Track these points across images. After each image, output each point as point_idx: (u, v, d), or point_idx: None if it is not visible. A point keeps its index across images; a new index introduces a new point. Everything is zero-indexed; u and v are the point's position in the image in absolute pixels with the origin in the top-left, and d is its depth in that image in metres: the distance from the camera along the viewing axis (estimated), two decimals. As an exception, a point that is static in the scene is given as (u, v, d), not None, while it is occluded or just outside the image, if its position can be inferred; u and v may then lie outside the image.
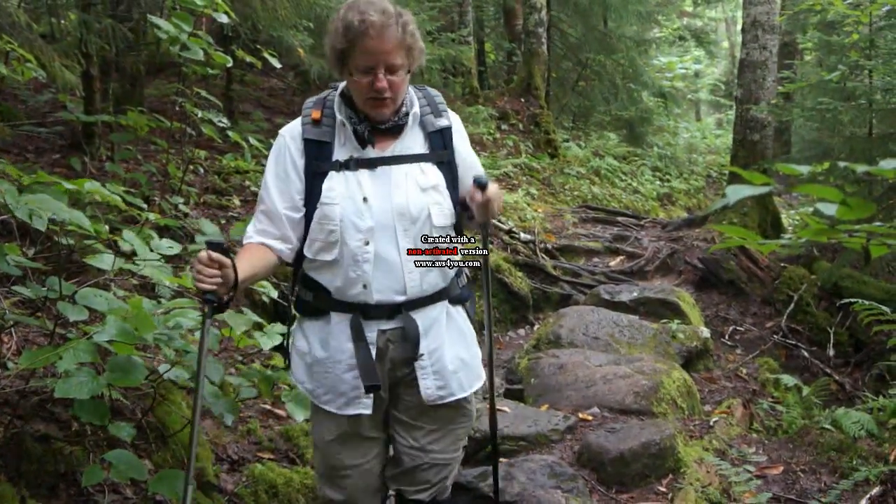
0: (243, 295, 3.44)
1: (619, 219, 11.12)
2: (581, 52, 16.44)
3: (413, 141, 2.87)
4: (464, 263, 3.06)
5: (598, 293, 7.75)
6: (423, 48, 2.83)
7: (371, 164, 2.79)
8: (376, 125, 2.80)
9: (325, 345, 2.86)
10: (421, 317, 2.86)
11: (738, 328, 7.79)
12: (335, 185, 2.76)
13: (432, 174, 2.84)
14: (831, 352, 7.37)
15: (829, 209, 1.71)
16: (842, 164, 1.73)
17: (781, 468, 4.71)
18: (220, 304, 2.63)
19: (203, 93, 5.67)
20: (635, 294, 7.59)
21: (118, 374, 3.00)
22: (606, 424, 4.97)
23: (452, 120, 2.96)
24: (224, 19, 5.15)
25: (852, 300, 4.77)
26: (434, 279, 2.87)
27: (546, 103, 14.38)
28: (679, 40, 20.45)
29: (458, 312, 3.02)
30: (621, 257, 9.43)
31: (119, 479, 3.03)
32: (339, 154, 2.81)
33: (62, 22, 8.64)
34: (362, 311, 2.80)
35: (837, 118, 8.35)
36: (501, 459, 4.58)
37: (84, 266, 3.82)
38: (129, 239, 3.54)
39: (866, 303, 4.54)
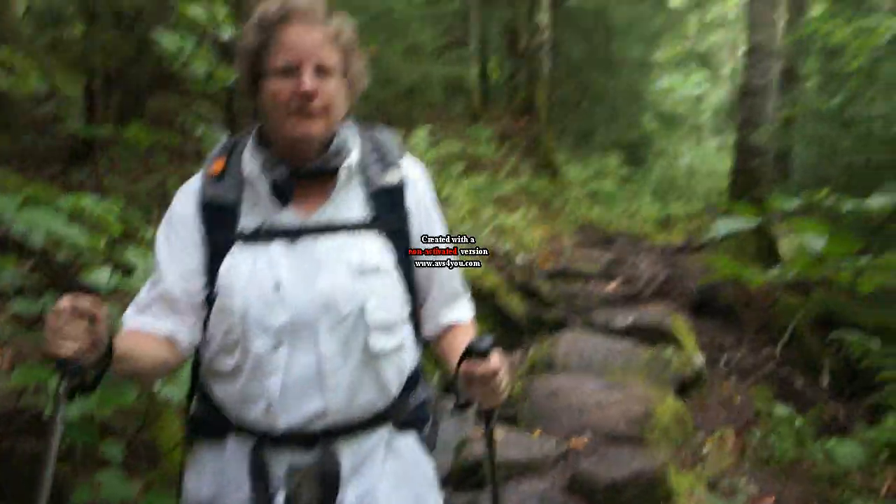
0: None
1: (617, 243, 11.14)
2: (583, 74, 16.50)
3: (349, 202, 2.09)
4: (420, 369, 2.24)
5: (593, 318, 7.74)
6: (364, 68, 2.14)
7: (289, 234, 2.03)
8: (298, 169, 2.04)
9: (219, 479, 2.09)
10: (349, 450, 2.05)
11: (732, 356, 7.78)
12: (238, 264, 2.01)
13: (374, 250, 2.05)
14: (825, 381, 7.36)
15: (817, 244, 1.73)
16: (827, 200, 1.75)
17: (773, 499, 4.71)
18: (84, 383, 1.81)
19: (205, 107, 5.68)
20: (630, 319, 7.57)
21: (110, 393, 2.99)
22: (599, 451, 4.96)
23: (410, 173, 2.18)
24: (227, 35, 5.17)
25: (844, 333, 4.79)
26: (369, 397, 2.05)
27: (547, 124, 14.43)
28: (683, 63, 20.54)
29: (407, 443, 2.16)
30: (618, 282, 9.42)
31: (108, 499, 3.02)
32: (247, 220, 2.05)
33: (65, 36, 8.67)
34: (269, 439, 2.02)
35: (836, 146, 8.38)
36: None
37: (80, 282, 3.82)
38: (130, 257, 3.54)
39: (856, 336, 4.55)
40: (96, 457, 3.26)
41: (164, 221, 2.14)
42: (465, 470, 4.57)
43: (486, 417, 2.09)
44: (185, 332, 2.06)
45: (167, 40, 4.96)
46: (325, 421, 2.00)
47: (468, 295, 2.33)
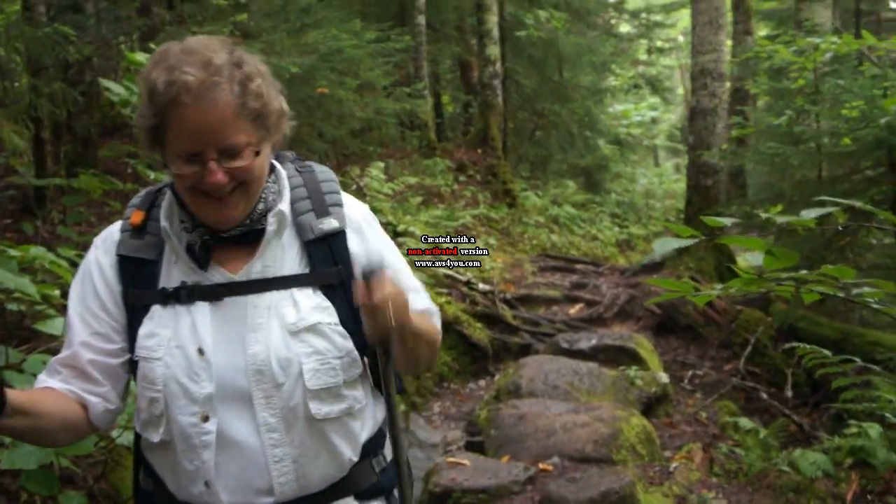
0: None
1: (578, 266, 11.21)
2: (537, 103, 16.66)
3: (281, 255, 1.88)
4: (384, 428, 2.01)
5: (557, 342, 7.77)
6: (285, 110, 1.87)
7: (213, 293, 1.82)
8: (216, 234, 1.84)
9: None
10: None
11: (696, 372, 7.84)
12: (158, 327, 1.81)
13: (310, 307, 1.84)
14: (789, 393, 7.42)
15: (756, 259, 1.77)
16: (764, 214, 1.79)
17: (741, 512, 4.73)
18: None
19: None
20: (594, 341, 7.62)
21: (67, 442, 2.96)
22: (567, 474, 4.97)
23: (351, 218, 1.94)
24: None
25: (796, 344, 4.86)
26: (321, 468, 1.85)
27: (503, 154, 14.53)
28: (634, 88, 20.79)
29: None
30: (580, 305, 9.48)
31: (69, 549, 2.99)
32: (168, 278, 1.85)
33: (16, 85, 8.64)
34: None
35: (787, 162, 8.50)
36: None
37: (36, 332, 3.79)
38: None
39: (808, 347, 4.62)
40: (56, 507, 3.23)
41: (78, 274, 1.93)
42: (434, 498, 4.56)
43: (381, 356, 1.82)
44: (96, 399, 1.86)
45: (115, 88, 4.96)
46: (274, 498, 1.81)
47: (422, 290, 2.06)
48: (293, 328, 1.80)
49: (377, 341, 1.79)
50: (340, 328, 1.85)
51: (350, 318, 1.86)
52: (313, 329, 1.82)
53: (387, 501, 1.99)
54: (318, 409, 1.81)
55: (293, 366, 1.79)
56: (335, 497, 1.88)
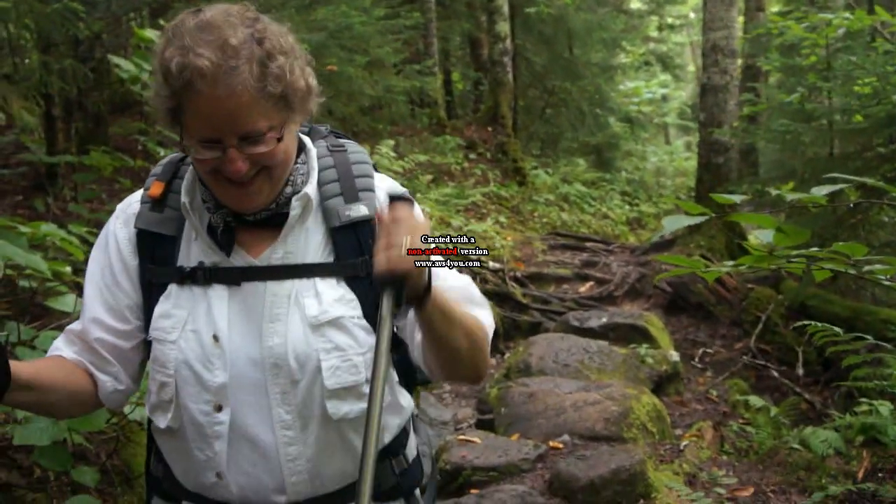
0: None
1: (589, 245, 11.17)
2: (547, 80, 16.60)
3: (304, 241, 1.74)
4: (409, 428, 1.91)
5: (568, 320, 7.77)
6: (312, 86, 1.69)
7: (232, 276, 1.71)
8: (242, 216, 1.71)
9: None
10: None
11: (707, 350, 7.84)
12: (174, 308, 1.70)
13: (333, 299, 1.70)
14: (800, 371, 7.41)
15: (766, 236, 1.76)
16: (775, 191, 1.77)
17: (752, 490, 4.72)
18: None
19: (166, 131, 5.67)
20: (604, 320, 7.61)
21: (80, 418, 2.97)
22: (577, 452, 4.97)
23: (385, 202, 1.76)
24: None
25: (807, 322, 4.83)
26: (338, 468, 1.74)
27: (513, 131, 14.48)
28: (645, 65, 20.68)
29: None
30: (591, 283, 9.47)
31: (82, 525, 3.00)
32: (186, 256, 1.74)
33: (26, 61, 8.64)
34: None
35: (798, 139, 8.46)
36: (472, 491, 4.59)
37: (48, 309, 3.80)
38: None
39: (819, 325, 4.60)
40: (70, 483, 3.25)
41: (98, 243, 1.82)
42: (444, 475, 4.57)
43: (382, 294, 1.58)
44: (106, 377, 1.78)
45: (125, 64, 4.95)
46: (286, 497, 1.71)
47: (485, 303, 1.88)
48: (315, 321, 1.67)
49: (384, 272, 1.55)
50: (364, 322, 1.71)
51: (375, 312, 1.65)
52: (335, 323, 1.69)
53: (407, 503, 1.87)
54: (335, 408, 1.69)
55: (311, 362, 1.66)
56: (351, 498, 1.62)
